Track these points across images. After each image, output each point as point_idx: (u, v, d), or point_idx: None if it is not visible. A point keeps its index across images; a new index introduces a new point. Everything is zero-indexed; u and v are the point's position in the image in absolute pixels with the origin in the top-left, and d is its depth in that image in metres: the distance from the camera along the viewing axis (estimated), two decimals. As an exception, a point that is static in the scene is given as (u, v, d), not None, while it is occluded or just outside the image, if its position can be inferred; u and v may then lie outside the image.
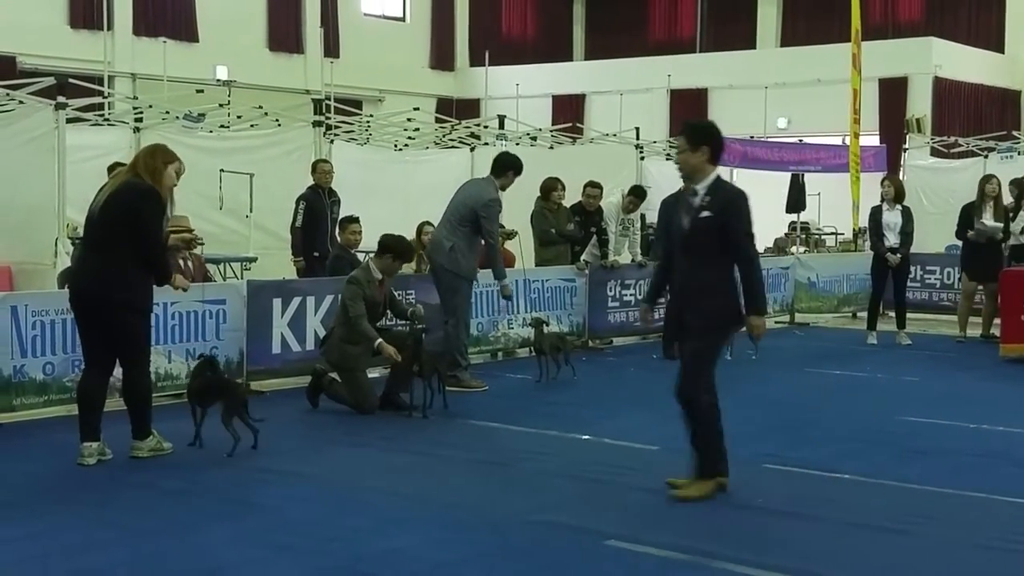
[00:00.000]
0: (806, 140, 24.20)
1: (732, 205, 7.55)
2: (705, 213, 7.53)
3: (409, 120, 19.56)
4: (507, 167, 12.19)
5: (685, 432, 7.75)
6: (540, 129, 20.95)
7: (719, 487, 7.66)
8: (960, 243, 16.32)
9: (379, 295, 10.81)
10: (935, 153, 22.94)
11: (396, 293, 11.65)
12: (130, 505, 7.42)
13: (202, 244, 13.45)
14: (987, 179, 16.17)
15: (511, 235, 15.42)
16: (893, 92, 29.68)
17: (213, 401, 8.98)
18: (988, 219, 15.79)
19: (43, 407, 9.65)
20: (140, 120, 16.70)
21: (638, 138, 20.02)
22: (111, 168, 12.10)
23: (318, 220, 14.15)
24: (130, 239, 8.24)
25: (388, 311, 11.26)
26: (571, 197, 15.11)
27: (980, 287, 16.16)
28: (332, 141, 16.77)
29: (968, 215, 16.01)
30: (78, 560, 6.31)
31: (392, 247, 10.92)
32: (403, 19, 36.55)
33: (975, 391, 12.48)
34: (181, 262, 12.10)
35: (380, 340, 10.37)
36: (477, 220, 11.86)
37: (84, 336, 8.59)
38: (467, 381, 11.84)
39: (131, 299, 8.33)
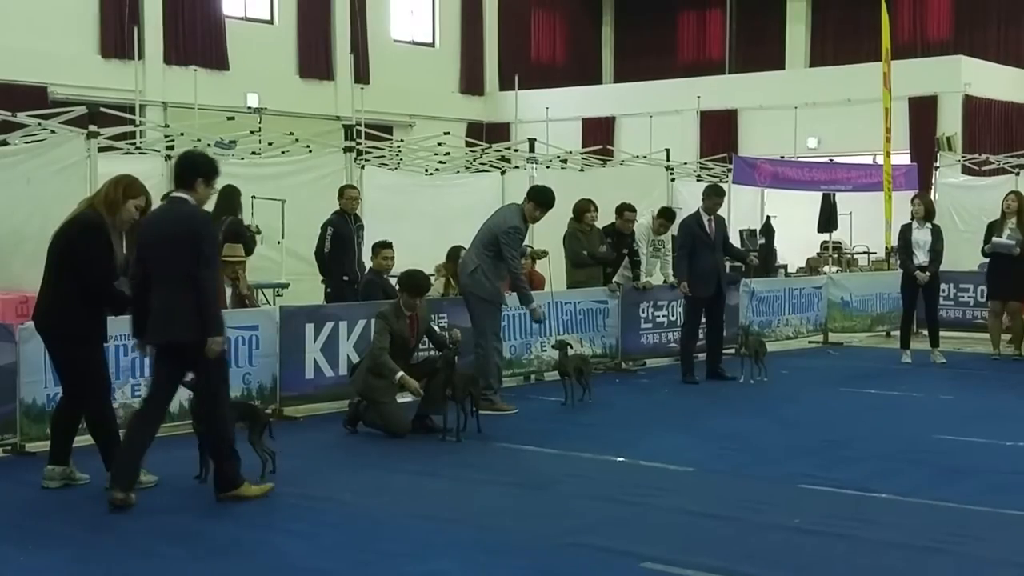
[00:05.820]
0: (836, 160, 24.13)
1: None
2: None
3: (439, 144, 19.56)
4: (533, 198, 12.22)
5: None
6: (570, 152, 20.94)
7: None
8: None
9: (410, 330, 10.80)
10: (966, 171, 22.84)
11: (431, 316, 11.65)
12: (163, 531, 7.43)
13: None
14: (1006, 195, 16.07)
15: (541, 255, 15.43)
16: (923, 111, 29.55)
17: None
18: (1006, 235, 15.70)
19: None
20: (172, 148, 16.73)
21: (668, 160, 19.99)
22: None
23: (346, 245, 14.20)
24: (72, 271, 8.18)
25: (427, 340, 11.27)
26: (603, 219, 15.11)
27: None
28: (363, 166, 16.77)
29: (991, 232, 15.96)
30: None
31: (400, 282, 11.04)
32: (432, 44, 36.61)
33: (1011, 409, 12.38)
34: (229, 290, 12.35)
35: (401, 373, 10.37)
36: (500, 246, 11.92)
37: (52, 363, 8.76)
38: (498, 404, 11.81)
39: (70, 330, 8.20)
